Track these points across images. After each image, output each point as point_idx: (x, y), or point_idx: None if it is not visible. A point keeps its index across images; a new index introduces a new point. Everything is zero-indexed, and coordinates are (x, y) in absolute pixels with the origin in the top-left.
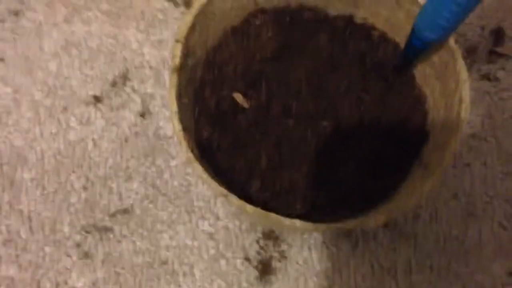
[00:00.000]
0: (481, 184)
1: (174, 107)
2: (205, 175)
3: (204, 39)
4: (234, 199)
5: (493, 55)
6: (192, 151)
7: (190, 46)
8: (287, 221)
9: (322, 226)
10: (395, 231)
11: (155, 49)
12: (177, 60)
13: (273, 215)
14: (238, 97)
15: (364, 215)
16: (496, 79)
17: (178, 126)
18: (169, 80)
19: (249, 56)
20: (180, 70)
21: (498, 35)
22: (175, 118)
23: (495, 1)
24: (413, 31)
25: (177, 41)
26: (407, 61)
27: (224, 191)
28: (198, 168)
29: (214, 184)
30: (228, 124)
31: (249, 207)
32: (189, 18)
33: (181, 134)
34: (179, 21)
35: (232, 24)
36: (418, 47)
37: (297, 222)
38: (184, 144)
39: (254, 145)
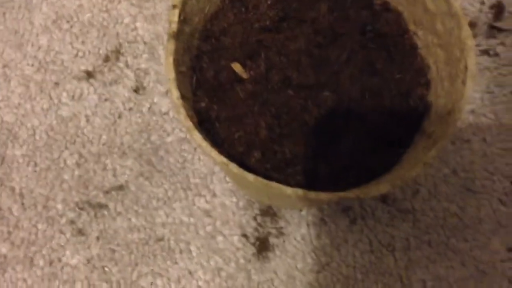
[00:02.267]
0: (480, 160)
1: (172, 74)
2: (205, 144)
3: (202, 6)
4: (234, 167)
5: (493, 30)
6: (191, 119)
7: (187, 12)
8: (289, 190)
9: (325, 195)
10: (394, 207)
11: (148, 23)
12: (175, 26)
13: (275, 184)
14: (237, 67)
15: (364, 186)
16: (496, 54)
17: (176, 93)
18: (165, 46)
19: (248, 25)
20: (177, 37)
21: (498, 10)
22: (173, 85)
23: None
24: None
25: (174, 6)
26: None
27: (224, 159)
28: (197, 137)
29: (214, 153)
30: (226, 95)
31: (250, 176)
32: None
33: (179, 101)
34: None
35: None
36: None
37: (299, 191)
38: (182, 112)
39: (253, 116)
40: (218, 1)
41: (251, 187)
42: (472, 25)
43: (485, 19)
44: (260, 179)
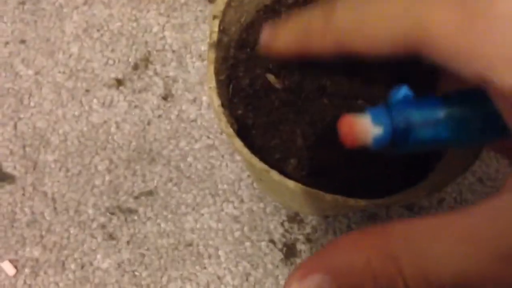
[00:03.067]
0: (505, 169)
1: (213, 82)
2: (245, 150)
3: (238, 16)
4: (275, 174)
5: None
6: (231, 126)
7: (226, 22)
8: (329, 197)
9: (364, 202)
10: (419, 214)
11: (176, 32)
12: (215, 36)
13: (315, 191)
14: (271, 77)
15: (400, 194)
16: None
17: (217, 101)
18: (207, 55)
19: None
20: (217, 46)
21: None
22: (214, 93)
23: None
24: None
25: (214, 16)
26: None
27: (265, 166)
28: (238, 144)
29: (254, 159)
30: (261, 103)
31: (291, 183)
32: None
33: (220, 109)
34: (201, 5)
35: (264, 2)
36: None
37: (339, 198)
38: (223, 119)
39: (288, 124)
40: (253, 12)
41: (286, 194)
42: None
43: None
44: (300, 186)
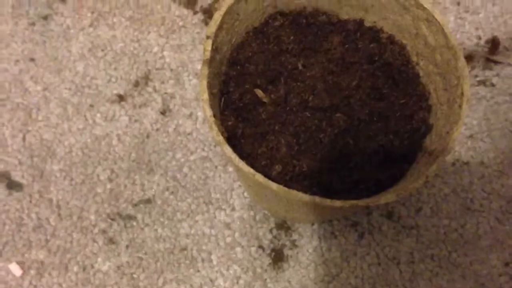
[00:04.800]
0: (478, 181)
1: (205, 95)
2: (234, 156)
3: (229, 37)
4: (260, 177)
5: (489, 62)
6: (222, 135)
7: (218, 42)
8: (306, 197)
9: (338, 202)
10: (399, 224)
11: (174, 52)
12: (208, 54)
13: (294, 192)
14: (259, 92)
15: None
16: (492, 85)
17: (209, 112)
18: (200, 71)
19: (269, 55)
20: (210, 63)
21: (493, 44)
22: (206, 105)
23: (490, 14)
24: None
25: (208, 37)
26: None
27: (252, 170)
28: (228, 150)
29: (242, 164)
30: (250, 115)
31: (274, 185)
32: (218, 16)
33: (212, 119)
34: (198, 27)
35: (253, 25)
36: None
37: (317, 198)
38: (215, 128)
39: (274, 134)
40: (243, 33)
41: (271, 198)
42: (470, 58)
43: (481, 53)
44: (282, 187)
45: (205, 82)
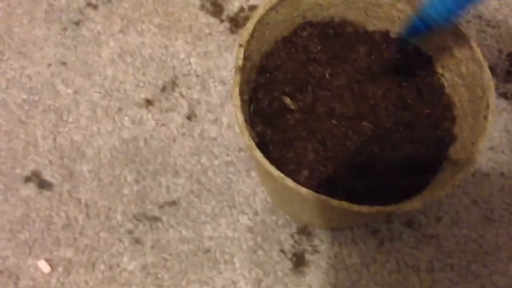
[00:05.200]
0: (499, 193)
1: (238, 101)
2: (264, 160)
3: (260, 46)
4: (289, 182)
5: (509, 75)
6: (253, 139)
7: (249, 50)
8: (335, 202)
9: (366, 208)
10: (419, 232)
11: (201, 59)
12: (240, 61)
13: (323, 197)
14: (287, 99)
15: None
16: None
17: (241, 117)
18: (233, 78)
19: (297, 63)
20: (242, 70)
21: None
22: (239, 110)
23: (511, 27)
24: (419, 13)
25: (240, 45)
26: (408, 37)
27: (281, 174)
28: (258, 154)
29: (272, 168)
30: (278, 122)
31: (303, 189)
32: (250, 25)
33: (243, 124)
34: (224, 35)
35: (283, 34)
36: (420, 29)
37: (344, 203)
38: (246, 133)
39: (301, 140)
40: (272, 42)
41: (297, 203)
42: (491, 70)
43: (502, 66)
44: (311, 192)
45: (237, 89)
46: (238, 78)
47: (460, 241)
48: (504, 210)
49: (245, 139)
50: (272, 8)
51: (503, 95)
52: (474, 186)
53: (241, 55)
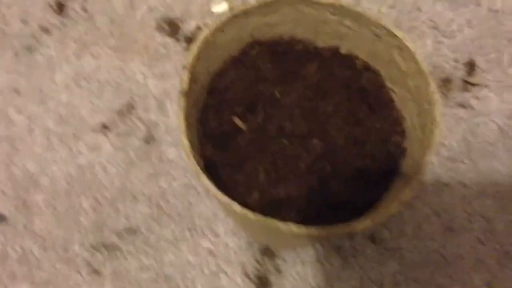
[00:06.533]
0: (459, 202)
1: (183, 127)
2: (211, 186)
3: (207, 66)
4: (237, 207)
5: (466, 84)
6: (198, 164)
7: (195, 72)
8: (283, 226)
9: (315, 230)
10: (381, 246)
11: (158, 80)
12: (185, 86)
13: (271, 221)
14: (237, 120)
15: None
16: (470, 107)
17: (187, 143)
18: (178, 103)
19: (247, 82)
20: (188, 94)
21: (470, 66)
22: (184, 136)
23: (467, 37)
24: None
25: (184, 68)
26: None
27: (228, 200)
28: (204, 180)
29: (219, 194)
30: (228, 144)
31: (251, 214)
32: (194, 47)
33: (189, 150)
34: (180, 55)
35: (231, 54)
36: None
37: (293, 227)
38: (191, 159)
39: (252, 161)
40: (221, 62)
41: (251, 226)
42: (448, 80)
43: (459, 75)
44: (259, 216)
45: (182, 114)
46: (183, 102)
47: (423, 253)
48: (465, 219)
49: (191, 165)
50: (218, 29)
51: (461, 105)
52: (435, 196)
53: (186, 79)
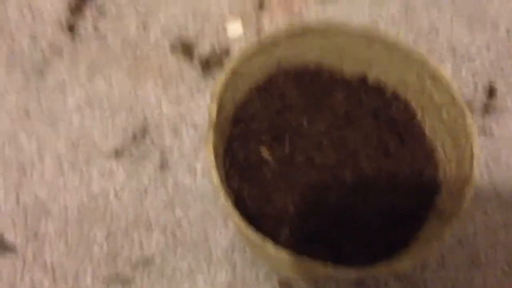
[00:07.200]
0: (483, 232)
1: (212, 160)
2: (243, 223)
3: (233, 95)
4: (270, 247)
5: (487, 108)
6: (229, 198)
7: (222, 102)
8: (321, 267)
9: (353, 272)
10: (405, 279)
11: (172, 104)
12: (213, 117)
13: (308, 261)
14: (263, 150)
15: (389, 261)
16: (491, 131)
17: (217, 179)
18: (206, 135)
19: (273, 111)
20: (216, 126)
21: (490, 90)
22: (214, 171)
23: (486, 60)
24: None
25: (212, 100)
26: None
27: (260, 239)
28: (235, 217)
29: (250, 232)
30: (255, 175)
31: (285, 255)
32: (222, 78)
33: (219, 186)
34: (195, 77)
35: (257, 83)
36: None
37: (330, 269)
38: (222, 195)
39: (280, 194)
40: (247, 91)
41: (278, 263)
42: (468, 104)
43: (479, 99)
44: (294, 256)
45: (211, 147)
46: (211, 135)
47: (447, 285)
48: (490, 248)
49: (222, 201)
50: (246, 59)
51: (482, 131)
52: (458, 225)
53: (214, 110)
